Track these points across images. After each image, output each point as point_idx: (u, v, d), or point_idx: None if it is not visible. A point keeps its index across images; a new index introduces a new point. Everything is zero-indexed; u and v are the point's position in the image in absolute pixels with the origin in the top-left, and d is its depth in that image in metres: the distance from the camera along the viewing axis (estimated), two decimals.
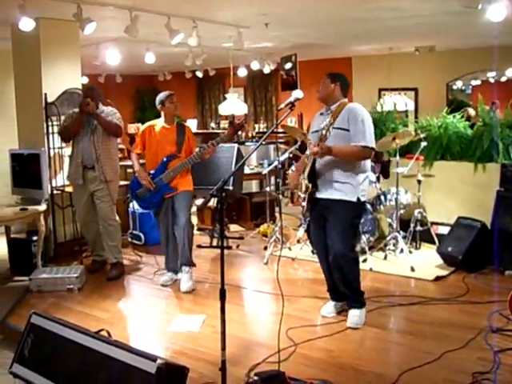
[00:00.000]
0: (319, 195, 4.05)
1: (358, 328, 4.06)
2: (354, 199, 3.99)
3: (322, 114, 4.20)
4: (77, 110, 5.33)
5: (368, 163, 4.14)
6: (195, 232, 7.09)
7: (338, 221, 3.99)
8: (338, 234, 3.99)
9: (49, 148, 6.05)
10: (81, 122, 5.30)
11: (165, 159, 4.96)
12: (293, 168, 6.92)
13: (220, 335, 3.03)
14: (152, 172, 5.00)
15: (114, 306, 4.74)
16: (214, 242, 6.55)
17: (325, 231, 4.11)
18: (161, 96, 5.05)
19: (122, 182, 6.21)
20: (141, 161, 5.17)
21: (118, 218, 5.64)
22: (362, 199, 4.07)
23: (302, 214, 6.28)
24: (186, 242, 4.98)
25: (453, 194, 6.09)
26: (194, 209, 5.94)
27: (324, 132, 3.94)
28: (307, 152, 4.14)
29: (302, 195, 4.09)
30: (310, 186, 4.01)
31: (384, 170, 6.30)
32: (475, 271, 5.25)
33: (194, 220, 7.31)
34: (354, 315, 4.14)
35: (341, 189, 3.98)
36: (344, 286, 4.17)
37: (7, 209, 5.49)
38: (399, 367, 3.43)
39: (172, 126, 5.04)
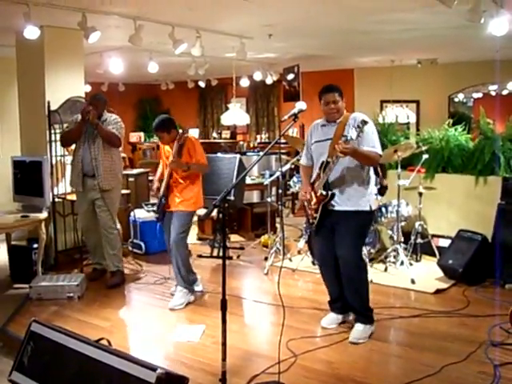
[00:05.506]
0: (335, 207, 4.03)
1: (359, 343, 4.03)
2: (367, 208, 4.05)
3: (323, 125, 4.17)
4: (79, 116, 5.35)
5: (372, 173, 4.16)
6: (196, 242, 7.14)
7: (351, 230, 4.01)
8: (350, 242, 4.02)
9: (51, 156, 6.05)
10: (81, 129, 5.32)
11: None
12: (294, 179, 6.95)
13: (221, 346, 3.02)
14: None
15: (114, 315, 4.73)
16: (215, 252, 6.53)
17: (333, 242, 4.11)
18: None
19: (123, 191, 6.19)
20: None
21: (119, 226, 5.63)
22: (373, 207, 4.14)
23: (306, 226, 6.17)
24: (177, 262, 4.90)
25: (454, 207, 6.08)
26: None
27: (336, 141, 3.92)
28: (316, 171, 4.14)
29: (314, 206, 4.08)
30: (329, 193, 3.97)
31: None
32: (476, 284, 5.24)
33: (195, 230, 7.31)
34: (358, 330, 4.11)
35: (355, 199, 4.00)
36: (353, 299, 4.17)
37: (8, 216, 5.48)
38: (399, 380, 3.42)
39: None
